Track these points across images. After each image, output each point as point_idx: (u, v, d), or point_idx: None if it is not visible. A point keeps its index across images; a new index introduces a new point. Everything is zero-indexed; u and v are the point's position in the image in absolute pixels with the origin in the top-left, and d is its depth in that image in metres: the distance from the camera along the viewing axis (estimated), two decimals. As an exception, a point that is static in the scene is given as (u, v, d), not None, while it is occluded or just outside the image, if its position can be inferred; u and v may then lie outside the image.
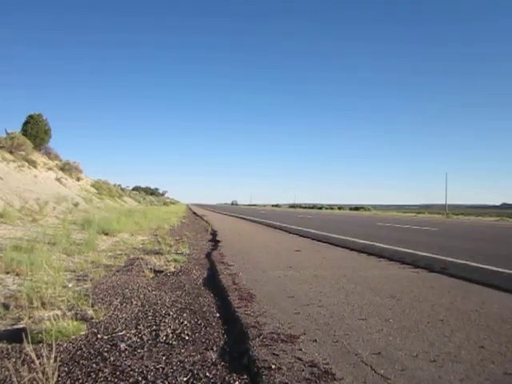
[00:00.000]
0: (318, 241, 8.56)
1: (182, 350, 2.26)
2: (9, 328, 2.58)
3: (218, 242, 8.15)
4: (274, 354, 2.13)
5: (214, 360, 2.13)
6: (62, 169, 21.34)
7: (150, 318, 2.87)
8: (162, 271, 4.67)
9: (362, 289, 3.77)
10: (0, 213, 8.26)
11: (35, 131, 20.83)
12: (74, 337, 2.44)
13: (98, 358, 2.14)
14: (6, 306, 2.97)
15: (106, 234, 8.37)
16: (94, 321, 2.75)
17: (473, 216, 34.52)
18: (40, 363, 1.88)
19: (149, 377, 1.92)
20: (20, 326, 2.58)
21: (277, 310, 2.99)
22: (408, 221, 20.48)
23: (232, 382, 1.89)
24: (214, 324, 2.76)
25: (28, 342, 2.05)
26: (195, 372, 1.97)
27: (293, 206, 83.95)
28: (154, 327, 2.65)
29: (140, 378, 1.90)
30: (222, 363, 2.09)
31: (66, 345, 2.32)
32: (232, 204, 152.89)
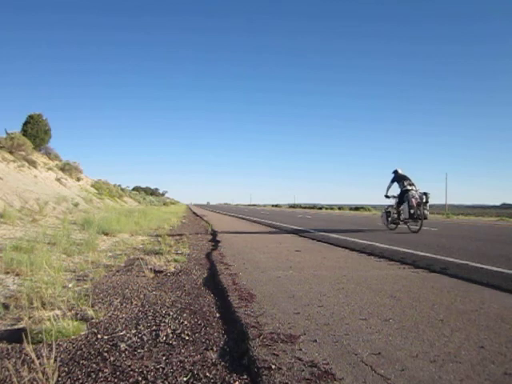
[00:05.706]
0: (318, 241, 8.56)
1: (182, 350, 2.26)
2: (9, 328, 2.58)
3: (218, 242, 8.15)
4: (274, 354, 2.13)
5: (214, 360, 2.13)
6: (62, 169, 21.36)
7: (149, 318, 2.87)
8: (161, 271, 4.67)
9: (362, 289, 3.77)
10: (0, 213, 8.26)
11: (35, 131, 20.85)
12: (73, 337, 2.44)
13: (98, 358, 2.14)
14: (6, 306, 2.98)
15: (106, 234, 8.38)
16: (94, 321, 2.75)
17: (473, 216, 34.41)
18: (40, 363, 1.88)
19: (149, 377, 1.92)
20: (20, 326, 2.59)
21: (277, 310, 2.99)
22: (408, 221, 20.44)
23: (232, 382, 1.89)
24: (214, 324, 2.76)
25: (28, 342, 2.06)
26: (195, 372, 1.97)
27: (293, 206, 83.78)
28: (154, 327, 2.65)
29: (140, 378, 1.90)
30: (222, 363, 2.09)
31: (65, 345, 2.33)
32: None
